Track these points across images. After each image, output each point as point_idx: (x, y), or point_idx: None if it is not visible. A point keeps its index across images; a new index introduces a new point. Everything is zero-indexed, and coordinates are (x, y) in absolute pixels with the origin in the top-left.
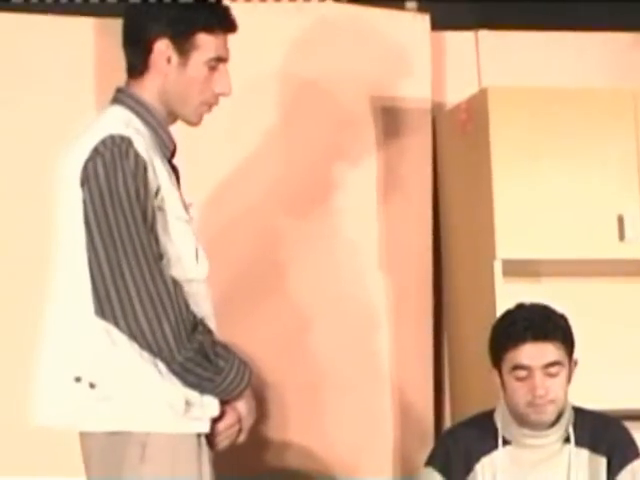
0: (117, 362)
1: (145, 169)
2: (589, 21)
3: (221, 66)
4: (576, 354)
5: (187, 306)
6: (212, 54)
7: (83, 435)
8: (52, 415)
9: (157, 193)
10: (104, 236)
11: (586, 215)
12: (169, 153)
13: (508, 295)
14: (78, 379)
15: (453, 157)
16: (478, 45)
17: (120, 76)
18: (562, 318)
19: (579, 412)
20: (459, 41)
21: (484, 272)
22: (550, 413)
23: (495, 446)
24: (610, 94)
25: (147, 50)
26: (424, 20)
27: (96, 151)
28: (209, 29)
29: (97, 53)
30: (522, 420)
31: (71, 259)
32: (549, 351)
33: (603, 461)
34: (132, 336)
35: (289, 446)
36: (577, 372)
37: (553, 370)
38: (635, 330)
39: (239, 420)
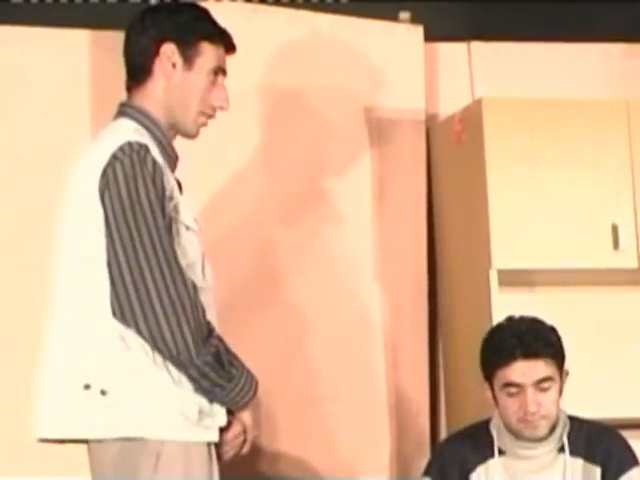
0: (130, 368)
1: (162, 175)
2: (582, 31)
3: (220, 79)
4: (570, 363)
5: (204, 311)
6: (215, 63)
7: (93, 445)
8: (59, 426)
9: (171, 201)
10: (125, 240)
11: (581, 224)
12: (173, 165)
13: (504, 305)
14: (87, 386)
15: (447, 168)
16: (471, 56)
17: (115, 87)
18: (552, 331)
19: (574, 421)
20: (452, 52)
21: (479, 282)
22: (543, 428)
23: (491, 455)
24: (603, 104)
25: (153, 54)
26: (417, 31)
27: (115, 157)
28: (213, 40)
29: (92, 65)
30: (516, 434)
31: (84, 265)
32: (540, 367)
33: (597, 470)
34: (152, 340)
35: (286, 454)
36: (571, 380)
37: (544, 385)
38: (629, 339)
39: (244, 431)
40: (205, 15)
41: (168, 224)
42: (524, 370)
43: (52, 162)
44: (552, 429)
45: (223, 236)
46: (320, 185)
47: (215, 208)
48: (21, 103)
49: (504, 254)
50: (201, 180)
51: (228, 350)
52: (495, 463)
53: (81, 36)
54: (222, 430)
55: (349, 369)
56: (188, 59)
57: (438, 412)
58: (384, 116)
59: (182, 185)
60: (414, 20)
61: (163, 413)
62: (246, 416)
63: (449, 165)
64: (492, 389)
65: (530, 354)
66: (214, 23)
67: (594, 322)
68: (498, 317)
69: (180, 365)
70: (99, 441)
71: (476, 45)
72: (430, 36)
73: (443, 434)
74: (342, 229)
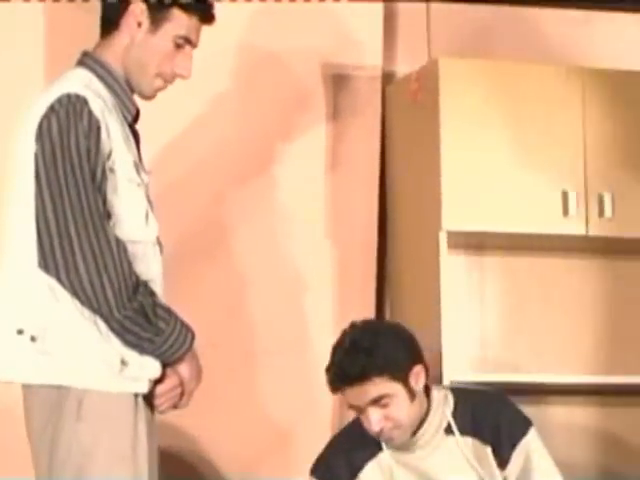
0: (58, 318)
1: (99, 129)
2: None
3: (187, 48)
4: (515, 326)
5: (130, 266)
6: (182, 32)
7: (24, 390)
8: (7, 370)
9: (110, 155)
10: (52, 191)
11: (531, 189)
12: (130, 117)
13: (452, 267)
14: (20, 331)
15: (402, 127)
16: (430, 16)
17: (69, 35)
18: (381, 346)
19: (460, 396)
20: (411, 12)
21: (429, 243)
22: (399, 436)
23: (379, 449)
24: (559, 72)
25: (122, 9)
26: None
27: (52, 109)
28: (186, 9)
29: (47, 12)
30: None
31: (19, 213)
32: (368, 390)
33: (488, 450)
34: (73, 291)
35: (227, 408)
36: (518, 344)
37: (382, 402)
38: (574, 304)
39: (181, 383)
40: None
41: (100, 179)
42: (355, 395)
43: (6, 110)
44: (421, 422)
45: (175, 186)
46: (275, 141)
47: (169, 158)
48: None
49: (454, 216)
50: (157, 129)
51: (157, 304)
52: (386, 456)
53: None
54: (157, 382)
55: (295, 325)
56: (155, 22)
57: None
58: (341, 73)
59: (139, 136)
60: None
61: (87, 363)
62: (183, 369)
63: (404, 124)
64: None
65: (354, 382)
66: None
67: (541, 287)
68: (446, 279)
69: (102, 318)
70: (28, 386)
71: (435, 6)
72: None
73: None
74: (294, 186)
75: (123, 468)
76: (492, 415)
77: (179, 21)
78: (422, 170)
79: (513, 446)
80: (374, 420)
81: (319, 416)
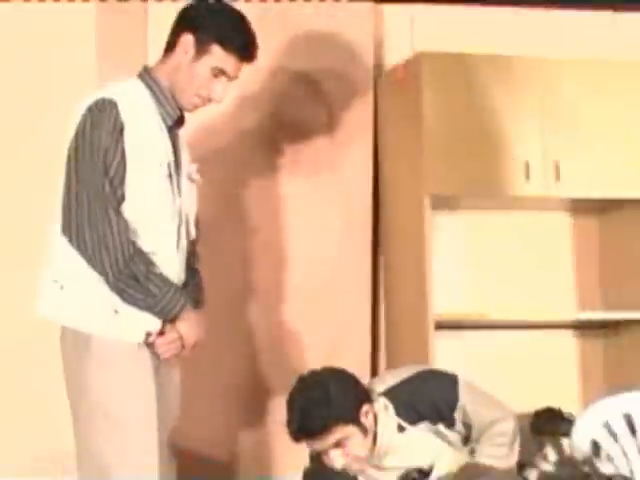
0: (75, 273)
1: (121, 131)
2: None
3: (223, 78)
4: (483, 274)
5: (127, 240)
6: (219, 64)
7: (61, 331)
8: (42, 308)
9: (137, 152)
10: (75, 176)
11: (500, 160)
12: (170, 121)
13: (435, 225)
14: (55, 281)
15: (391, 110)
16: (413, 17)
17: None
18: (333, 399)
19: (393, 396)
20: (397, 13)
21: (416, 205)
22: (361, 466)
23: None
24: (523, 61)
25: (177, 37)
26: None
27: (89, 109)
28: (225, 47)
29: (99, 29)
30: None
31: (59, 190)
32: (328, 438)
33: (440, 426)
34: (82, 255)
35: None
36: (481, 292)
37: (342, 444)
38: (535, 253)
39: (180, 337)
40: (233, 23)
41: (114, 171)
42: (316, 444)
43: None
44: (375, 436)
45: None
46: (282, 119)
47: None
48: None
49: (436, 182)
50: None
51: (150, 272)
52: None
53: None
54: (161, 334)
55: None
56: (199, 52)
57: (378, 314)
58: (340, 66)
59: (178, 138)
60: None
61: (95, 313)
62: (181, 326)
63: (392, 108)
64: None
65: (314, 435)
66: (238, 32)
67: (508, 239)
68: (430, 236)
69: (103, 278)
70: (62, 328)
71: (418, 7)
72: None
73: (382, 338)
74: (303, 158)
75: (126, 403)
76: (424, 396)
77: (217, 55)
78: (409, 145)
79: (452, 409)
80: (336, 460)
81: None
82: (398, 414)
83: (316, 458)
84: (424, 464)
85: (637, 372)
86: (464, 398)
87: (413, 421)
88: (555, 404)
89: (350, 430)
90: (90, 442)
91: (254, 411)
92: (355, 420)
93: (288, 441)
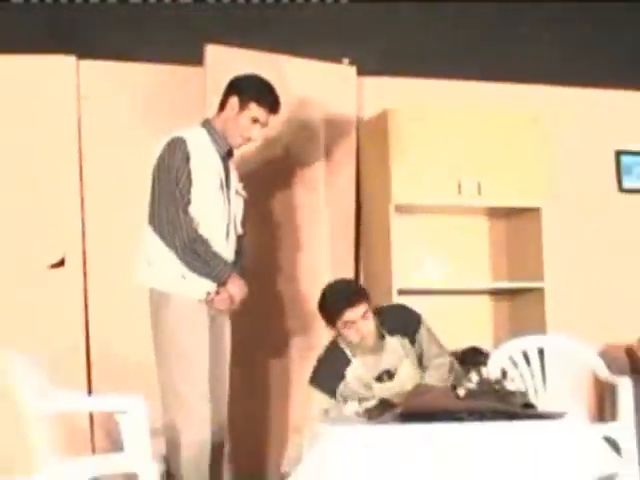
0: (158, 253)
1: (188, 158)
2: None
3: (258, 125)
4: (424, 263)
5: (191, 228)
6: (255, 115)
7: (149, 294)
8: (139, 277)
9: (200, 174)
10: (156, 184)
11: (441, 181)
12: (223, 153)
13: (398, 227)
14: (145, 260)
15: (368, 147)
16: (383, 85)
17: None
18: (358, 284)
19: (380, 312)
20: (374, 82)
21: (384, 211)
22: (370, 339)
23: (349, 361)
24: (454, 115)
25: (226, 99)
26: (352, 70)
27: (168, 144)
28: (259, 104)
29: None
30: (358, 346)
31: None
32: (360, 307)
33: (406, 341)
34: (162, 239)
35: None
36: (430, 270)
37: (366, 315)
38: (463, 243)
39: (230, 296)
40: (263, 87)
41: (182, 186)
42: (352, 313)
43: (146, 140)
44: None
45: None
46: (294, 153)
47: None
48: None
49: (400, 194)
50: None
51: (208, 250)
52: (356, 363)
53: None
54: (217, 293)
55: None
56: (241, 109)
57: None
58: (332, 118)
59: (229, 166)
60: (352, 63)
61: (171, 279)
62: (230, 287)
63: (370, 148)
64: (335, 328)
65: (352, 302)
66: (267, 92)
67: (446, 234)
68: (395, 233)
69: (175, 255)
70: (149, 290)
71: (387, 79)
72: (360, 72)
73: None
74: (305, 180)
75: (188, 341)
76: (399, 317)
77: (254, 110)
78: (380, 169)
79: (415, 332)
80: (363, 328)
81: None
82: (381, 323)
83: (332, 348)
84: (391, 367)
85: (531, 324)
86: (424, 326)
87: (389, 332)
88: (476, 345)
89: (368, 306)
90: (168, 375)
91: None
92: (369, 300)
93: None
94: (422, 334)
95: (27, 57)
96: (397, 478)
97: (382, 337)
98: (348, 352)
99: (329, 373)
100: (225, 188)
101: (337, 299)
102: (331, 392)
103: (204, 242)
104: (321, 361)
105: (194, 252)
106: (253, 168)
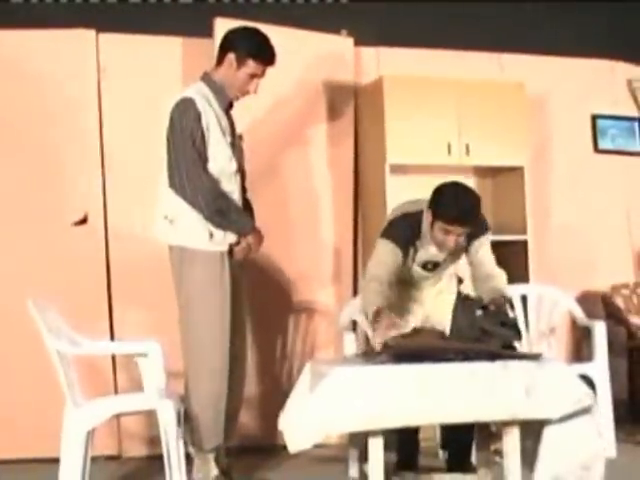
0: (181, 211)
1: (199, 116)
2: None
3: (255, 79)
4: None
5: (214, 185)
6: (253, 71)
7: (169, 250)
8: (157, 233)
9: (207, 128)
10: (172, 147)
11: (433, 142)
12: (224, 106)
13: (393, 185)
14: (165, 217)
15: (366, 110)
16: (379, 53)
17: (196, 66)
18: (481, 212)
19: None
20: (370, 51)
21: (380, 171)
22: (451, 250)
23: (420, 235)
24: (445, 83)
25: (224, 55)
26: (350, 40)
27: (176, 105)
28: (256, 60)
29: (184, 56)
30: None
31: (164, 159)
32: (463, 229)
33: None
34: (185, 199)
35: None
36: None
37: (462, 235)
38: None
39: (249, 245)
40: (259, 41)
41: (198, 144)
42: (457, 230)
43: (160, 105)
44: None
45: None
46: (304, 112)
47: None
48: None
49: (394, 155)
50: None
51: (231, 205)
52: (423, 240)
53: (176, 43)
54: (237, 244)
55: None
56: (238, 65)
57: (357, 242)
58: (333, 84)
59: (232, 118)
60: (349, 34)
61: (199, 236)
62: (250, 238)
63: (367, 112)
64: (433, 221)
65: (465, 224)
66: (264, 48)
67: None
68: (390, 192)
69: (200, 213)
70: (170, 247)
71: (384, 49)
72: (358, 42)
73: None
74: (309, 139)
75: (215, 292)
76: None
77: (251, 66)
78: (376, 132)
79: (474, 237)
80: (454, 245)
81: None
82: None
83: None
84: (442, 263)
85: (515, 273)
86: (488, 237)
87: None
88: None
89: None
90: (190, 323)
91: None
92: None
93: None
94: (482, 241)
95: (49, 31)
96: (387, 406)
97: None
98: (423, 227)
99: (405, 229)
100: (231, 138)
101: (456, 212)
102: (405, 242)
103: (226, 198)
104: (396, 221)
105: (219, 209)
106: (264, 129)
